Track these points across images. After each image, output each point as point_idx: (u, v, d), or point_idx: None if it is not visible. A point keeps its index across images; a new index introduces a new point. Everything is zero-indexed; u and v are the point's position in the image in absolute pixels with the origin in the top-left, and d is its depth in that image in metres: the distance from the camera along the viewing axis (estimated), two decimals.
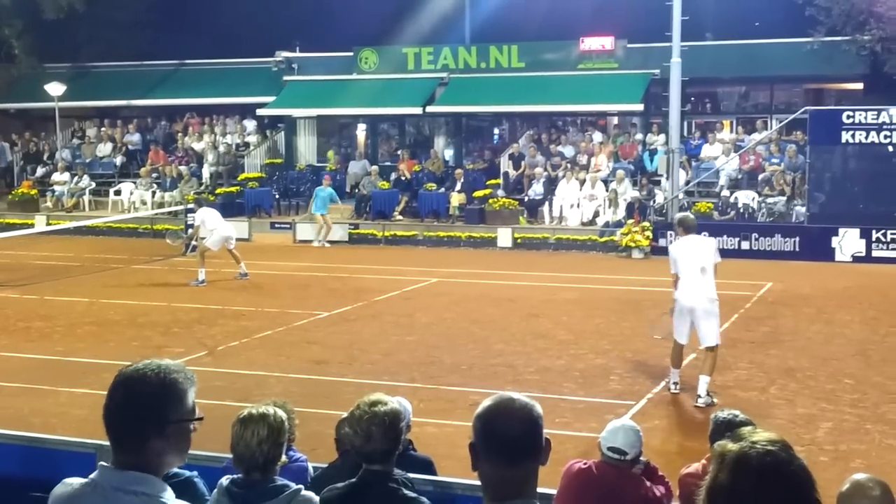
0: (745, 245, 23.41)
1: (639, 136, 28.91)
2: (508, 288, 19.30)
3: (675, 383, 11.26)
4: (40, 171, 32.74)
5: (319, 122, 33.15)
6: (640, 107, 28.47)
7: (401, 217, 27.85)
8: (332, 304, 17.17)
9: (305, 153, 32.81)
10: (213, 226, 19.92)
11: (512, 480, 2.61)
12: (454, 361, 12.96)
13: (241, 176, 30.46)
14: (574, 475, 5.59)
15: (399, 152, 31.30)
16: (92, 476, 2.75)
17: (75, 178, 31.50)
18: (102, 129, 34.62)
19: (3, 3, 33.29)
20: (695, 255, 11.06)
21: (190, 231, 22.24)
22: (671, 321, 11.35)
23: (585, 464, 5.66)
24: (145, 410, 2.70)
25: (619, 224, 24.92)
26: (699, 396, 10.76)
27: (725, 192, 25.78)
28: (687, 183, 26.36)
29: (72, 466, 5.03)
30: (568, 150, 28.84)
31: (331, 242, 26.32)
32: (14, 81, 35.81)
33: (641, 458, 5.78)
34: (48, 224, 28.06)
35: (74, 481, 2.78)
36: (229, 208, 26.90)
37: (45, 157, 33.50)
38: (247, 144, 32.37)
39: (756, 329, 15.11)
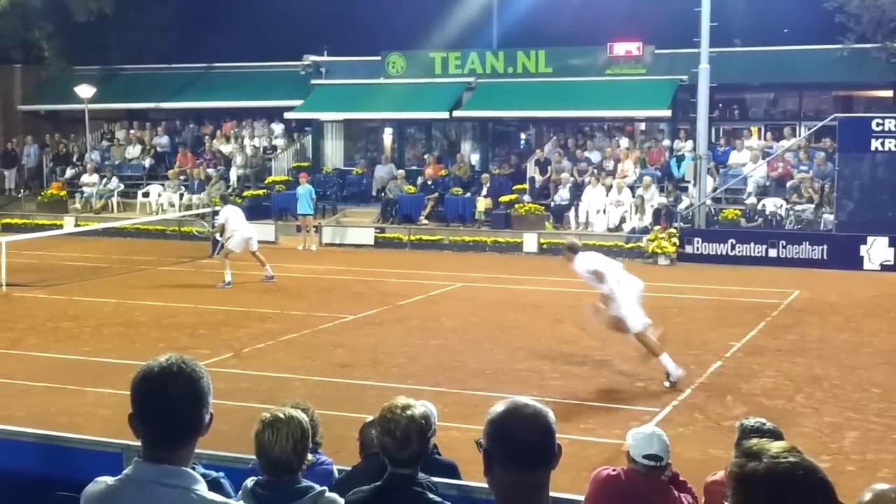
0: (772, 252, 23.27)
1: (666, 142, 28.81)
2: (534, 293, 19.29)
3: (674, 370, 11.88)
4: (69, 172, 32.99)
5: (347, 125, 33.24)
6: (667, 112, 28.38)
7: (426, 221, 27.87)
8: (357, 307, 17.22)
9: (332, 157, 32.91)
10: (235, 226, 19.98)
11: (526, 486, 2.61)
12: (479, 366, 12.96)
13: (268, 179, 30.58)
14: (603, 481, 5.57)
15: (425, 157, 31.33)
16: (126, 471, 2.79)
17: (104, 180, 31.72)
18: (131, 131, 34.86)
19: (33, 6, 33.60)
20: (606, 260, 12.72)
21: (214, 227, 22.36)
22: (609, 314, 12.25)
23: (614, 470, 5.65)
24: (197, 406, 2.76)
25: (645, 230, 24.83)
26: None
27: (753, 199, 25.64)
28: (714, 189, 26.23)
29: (98, 466, 5.06)
30: (594, 156, 28.78)
31: (355, 246, 26.40)
32: (44, 83, 36.15)
33: (669, 466, 5.77)
34: (77, 225, 28.27)
35: (107, 479, 2.82)
36: (256, 211, 27.03)
37: (74, 159, 33.75)
38: (274, 147, 32.51)
39: (783, 337, 15.03)
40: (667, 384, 11.73)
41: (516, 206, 26.91)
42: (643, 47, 29.11)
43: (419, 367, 12.87)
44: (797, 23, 29.55)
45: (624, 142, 29.28)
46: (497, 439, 2.62)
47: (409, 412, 4.24)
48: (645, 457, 5.63)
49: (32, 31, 34.69)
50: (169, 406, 2.72)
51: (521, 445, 2.59)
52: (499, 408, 2.67)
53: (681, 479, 5.83)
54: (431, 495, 4.09)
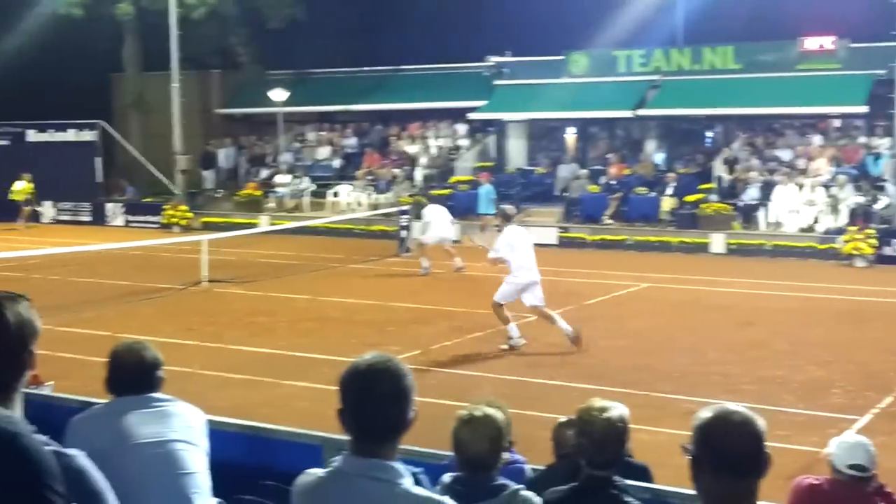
0: None
1: (862, 140, 27.63)
2: (722, 295, 18.87)
3: (516, 336, 13.70)
4: (264, 173, 34.33)
5: (529, 125, 33.33)
6: (863, 109, 27.18)
7: (610, 221, 27.64)
8: None
9: (515, 156, 33.06)
10: (436, 225, 21.22)
11: (735, 494, 2.60)
12: (665, 368, 12.78)
13: (452, 179, 30.99)
14: (805, 490, 5.43)
15: (608, 156, 31.07)
16: (335, 464, 2.91)
17: (296, 180, 32.85)
18: (321, 132, 35.99)
19: (230, 14, 35.17)
20: (527, 240, 13.99)
21: (419, 227, 23.13)
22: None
23: (817, 480, 5.49)
24: (402, 403, 2.86)
25: (840, 231, 23.89)
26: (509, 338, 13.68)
27: None
28: None
29: (299, 457, 5.27)
30: (785, 154, 27.88)
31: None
32: (240, 88, 37.77)
33: (874, 477, 5.56)
34: (271, 224, 29.37)
35: (317, 471, 2.95)
36: None
37: (268, 160, 35.12)
38: (458, 148, 32.92)
39: None
40: (504, 347, 13.67)
41: (702, 205, 26.36)
42: (837, 41, 28.01)
43: (605, 368, 12.79)
44: None
45: (817, 139, 28.26)
46: (705, 446, 2.61)
47: (606, 414, 4.24)
48: (850, 466, 5.44)
49: (229, 38, 36.30)
50: (375, 402, 2.83)
51: (730, 453, 2.58)
52: (707, 414, 2.66)
53: (886, 489, 5.61)
54: (628, 498, 4.09)
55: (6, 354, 2.42)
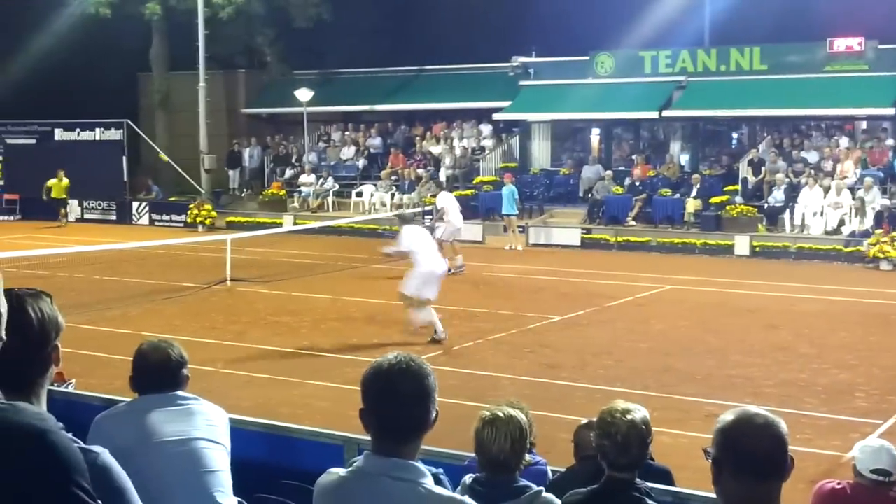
0: None
1: (889, 142, 27.40)
2: (746, 297, 18.78)
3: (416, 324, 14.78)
4: (288, 172, 34.42)
5: (554, 126, 33.25)
6: (890, 111, 26.94)
7: (634, 222, 27.55)
8: (564, 308, 17.23)
9: (539, 157, 33.01)
10: (451, 215, 20.94)
11: (757, 498, 2.59)
12: (689, 370, 12.74)
13: (476, 179, 30.98)
14: (827, 495, 5.40)
15: (633, 157, 30.98)
16: (357, 464, 2.92)
17: (320, 180, 32.93)
18: (346, 132, 36.06)
19: (257, 14, 35.30)
20: (427, 237, 15.31)
21: (434, 216, 23.02)
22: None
23: (839, 484, 5.46)
24: (424, 403, 2.87)
25: (866, 234, 23.72)
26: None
27: None
28: None
29: (321, 457, 5.29)
30: (812, 156, 27.71)
31: (561, 246, 26.43)
32: (266, 88, 37.92)
33: None
34: (295, 223, 29.46)
35: (339, 471, 2.97)
36: (464, 211, 27.33)
37: (293, 160, 35.22)
38: (483, 148, 32.91)
39: None
40: (410, 329, 14.93)
41: (728, 207, 26.23)
42: (865, 42, 27.79)
43: (627, 370, 12.77)
44: None
45: (844, 141, 28.05)
46: (727, 449, 2.61)
47: (629, 416, 4.24)
48: (873, 471, 5.41)
49: (256, 38, 36.44)
50: (398, 401, 2.83)
51: (752, 456, 2.57)
52: (729, 417, 2.66)
53: None
54: (650, 501, 4.08)
55: (29, 350, 2.44)
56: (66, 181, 32.19)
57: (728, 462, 2.60)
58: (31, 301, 2.49)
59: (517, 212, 27.02)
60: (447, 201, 21.46)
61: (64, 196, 32.51)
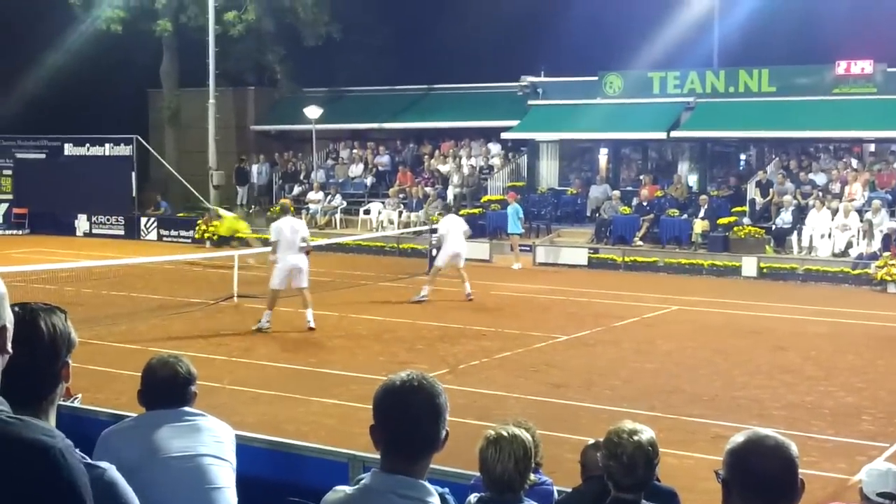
0: None
1: None
2: (753, 319, 18.75)
3: (269, 322, 16.20)
4: (297, 189, 34.52)
5: (562, 145, 33.32)
6: None
7: (641, 243, 27.55)
8: (571, 327, 17.22)
9: (547, 176, 33.06)
10: (451, 239, 20.16)
11: None
12: (695, 392, 12.71)
13: (484, 198, 31.03)
14: None
15: (641, 177, 31.00)
16: (364, 481, 2.91)
17: (328, 197, 33.01)
18: (354, 150, 36.16)
19: (267, 32, 35.50)
20: (293, 229, 16.25)
21: (435, 240, 22.68)
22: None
23: None
24: (435, 422, 2.86)
25: (874, 256, 23.69)
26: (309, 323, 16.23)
27: None
28: None
29: (326, 474, 5.28)
30: (819, 178, 27.71)
31: (568, 266, 26.41)
32: (275, 105, 38.08)
33: None
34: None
35: (345, 488, 2.96)
36: (472, 230, 27.39)
37: (301, 177, 35.31)
38: (490, 167, 32.97)
39: None
40: (255, 328, 16.22)
41: (735, 228, 26.23)
42: (874, 65, 27.84)
43: (634, 391, 12.74)
44: None
45: (852, 163, 28.05)
46: (736, 470, 2.61)
47: (636, 437, 4.23)
48: (879, 495, 5.40)
49: (266, 55, 36.61)
50: (409, 420, 2.83)
51: (761, 478, 2.57)
52: (739, 438, 2.66)
53: None
54: None
55: (40, 366, 2.44)
56: (229, 216, 29.70)
57: (737, 483, 2.60)
58: (43, 315, 2.48)
59: (522, 230, 27.03)
60: (449, 226, 20.50)
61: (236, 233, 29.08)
